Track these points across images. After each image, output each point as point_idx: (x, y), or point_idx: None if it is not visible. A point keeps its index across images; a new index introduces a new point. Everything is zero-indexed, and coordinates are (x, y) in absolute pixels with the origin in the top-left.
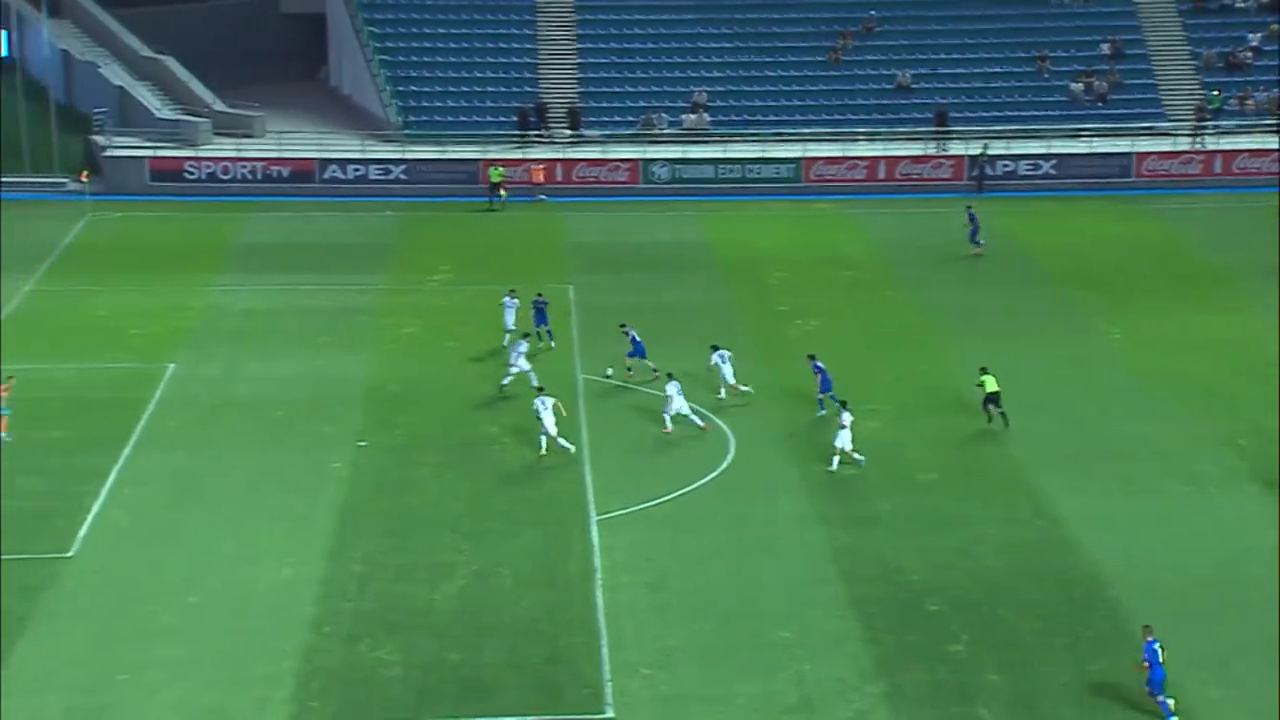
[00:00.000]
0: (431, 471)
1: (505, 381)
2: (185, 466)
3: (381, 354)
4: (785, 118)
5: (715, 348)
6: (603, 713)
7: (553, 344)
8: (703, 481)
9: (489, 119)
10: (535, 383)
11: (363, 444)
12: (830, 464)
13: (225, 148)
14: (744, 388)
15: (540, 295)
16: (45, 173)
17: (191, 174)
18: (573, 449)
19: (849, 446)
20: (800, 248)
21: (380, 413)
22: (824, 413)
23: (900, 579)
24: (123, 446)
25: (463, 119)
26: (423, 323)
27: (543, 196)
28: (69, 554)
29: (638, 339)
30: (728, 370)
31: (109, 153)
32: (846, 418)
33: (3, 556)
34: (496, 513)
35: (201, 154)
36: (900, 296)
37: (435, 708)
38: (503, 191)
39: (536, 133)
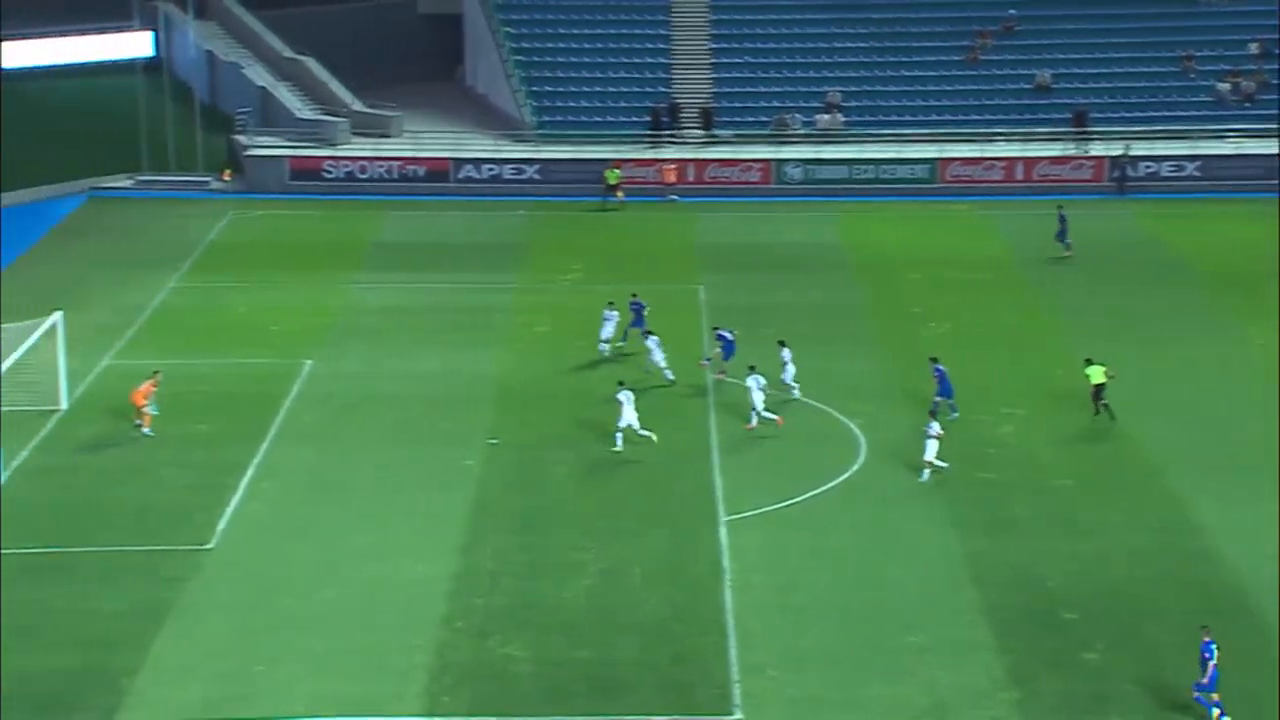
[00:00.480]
0: (562, 470)
1: (670, 377)
2: (321, 461)
3: (513, 352)
4: (921, 118)
5: (782, 344)
6: (731, 714)
7: (624, 343)
8: (833, 483)
9: (622, 119)
10: (670, 377)
11: (494, 441)
12: (920, 475)
13: (363, 147)
14: (794, 389)
15: (636, 296)
16: (189, 171)
17: (330, 173)
18: (654, 437)
19: (931, 456)
20: (935, 249)
21: (512, 410)
22: (956, 415)
23: (1035, 586)
24: (261, 441)
25: (596, 119)
26: (554, 321)
27: (674, 197)
28: (209, 546)
29: (731, 339)
30: (790, 369)
31: (250, 152)
32: (935, 428)
33: (148, 548)
34: (626, 511)
35: (340, 153)
36: (1035, 299)
37: (565, 705)
38: (619, 193)
39: (669, 133)
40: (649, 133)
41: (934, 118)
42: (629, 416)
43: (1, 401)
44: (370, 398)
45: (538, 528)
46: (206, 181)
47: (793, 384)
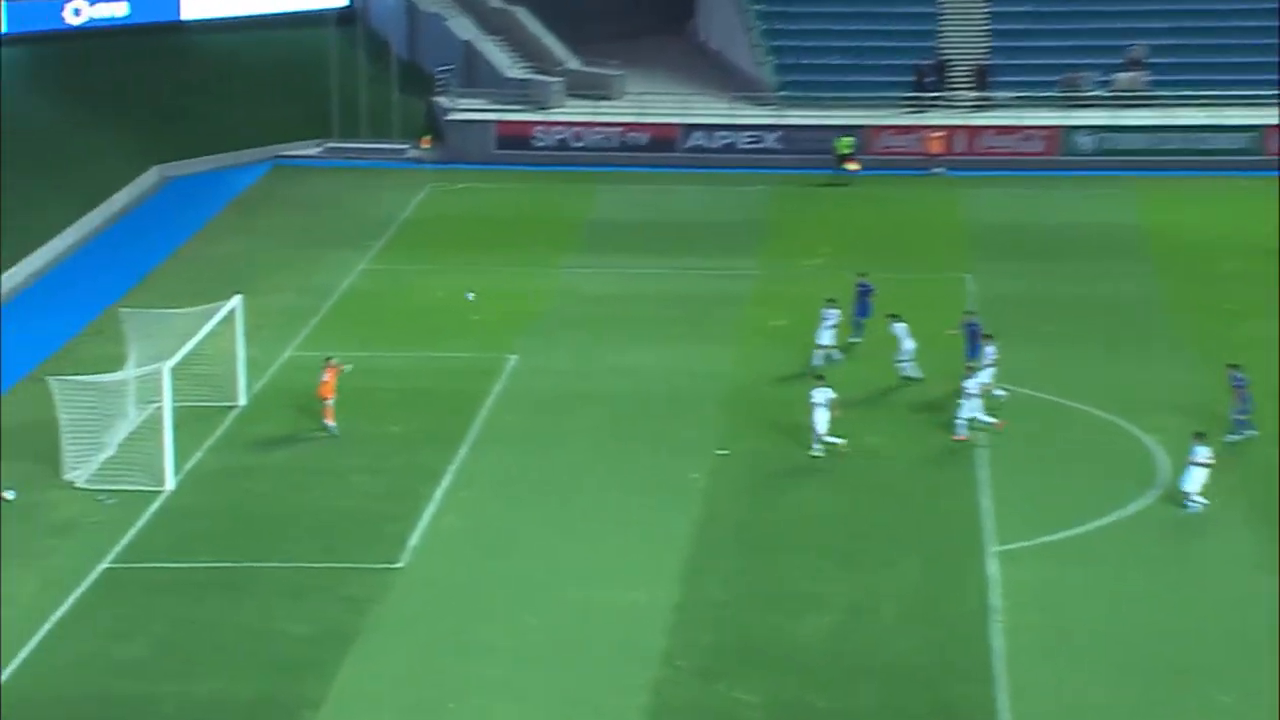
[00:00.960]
0: (800, 486)
1: (916, 374)
2: (525, 469)
3: (747, 348)
4: (1242, 78)
5: (895, 317)
6: None
7: (859, 339)
8: (1125, 512)
9: (878, 79)
10: (914, 373)
11: (723, 452)
12: (1184, 505)
13: (579, 111)
14: (914, 373)
15: (864, 277)
16: (384, 138)
17: (540, 141)
18: (843, 443)
19: (1193, 487)
20: (1257, 234)
21: (743, 416)
22: (1253, 433)
23: None
24: (459, 445)
25: (847, 79)
26: (795, 314)
27: (941, 170)
28: (399, 565)
29: (978, 328)
30: (908, 343)
31: (452, 116)
32: (1201, 453)
33: (333, 565)
34: (875, 536)
35: (552, 118)
36: None
37: None
38: (853, 164)
39: (935, 95)
40: (911, 95)
41: (1258, 77)
42: (821, 419)
43: (174, 396)
44: (582, 398)
45: (772, 553)
46: (403, 150)
47: (908, 362)
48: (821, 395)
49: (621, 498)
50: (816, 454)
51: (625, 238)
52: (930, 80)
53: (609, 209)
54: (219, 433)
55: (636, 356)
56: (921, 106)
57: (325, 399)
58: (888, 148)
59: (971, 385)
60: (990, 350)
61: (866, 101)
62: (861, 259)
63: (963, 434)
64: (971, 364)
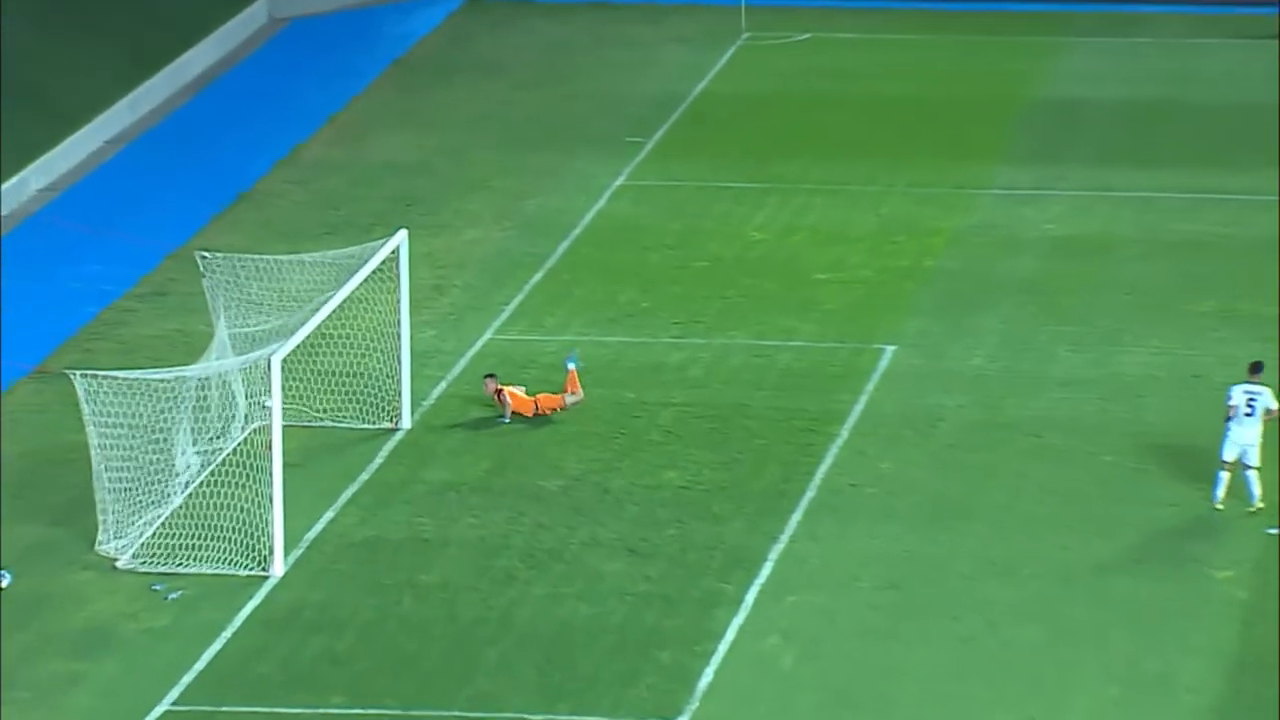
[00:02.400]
0: None
1: None
2: (907, 561)
3: None
4: None
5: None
6: None
7: None
8: None
9: None
10: None
11: (1275, 531)
12: None
13: None
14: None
15: None
16: None
17: None
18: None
19: None
20: None
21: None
22: None
23: None
24: (787, 510)
25: None
26: None
27: None
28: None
29: None
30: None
31: None
32: None
33: None
34: None
35: None
36: None
37: None
38: None
39: None
40: None
41: None
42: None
43: (289, 410)
44: (1011, 430)
45: None
46: None
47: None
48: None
49: (1093, 614)
50: (1219, 506)
51: (1097, 132)
52: None
53: (1072, 79)
54: (366, 476)
55: (1109, 354)
56: None
57: (554, 407)
58: None
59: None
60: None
61: None
62: None
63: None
64: None
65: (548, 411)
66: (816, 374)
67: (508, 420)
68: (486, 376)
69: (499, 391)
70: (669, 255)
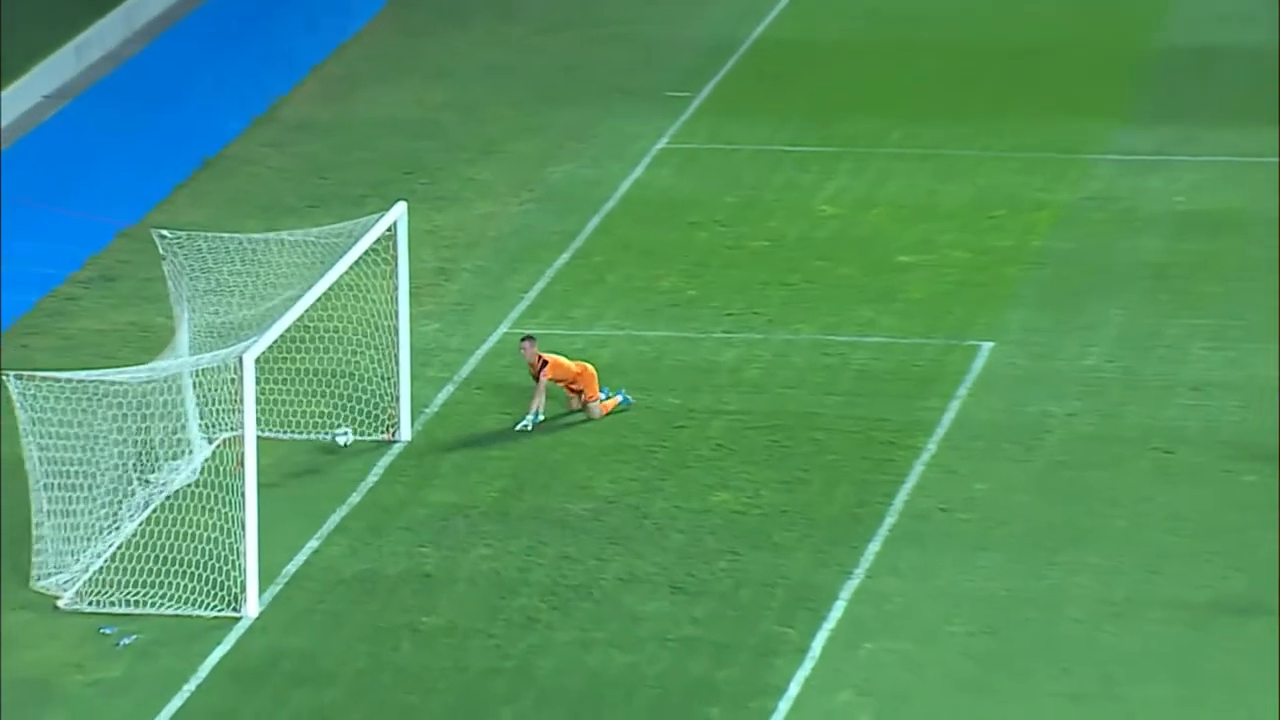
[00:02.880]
0: None
1: None
2: (1010, 604)
3: None
4: None
5: None
6: None
7: None
8: None
9: None
10: None
11: None
12: None
13: None
14: None
15: None
16: None
17: None
18: None
19: None
20: None
21: None
22: None
23: None
24: (865, 538)
25: None
26: None
27: None
28: None
29: None
30: None
31: None
32: None
33: None
34: None
35: None
36: None
37: None
38: None
39: None
40: None
41: None
42: None
43: (267, 418)
44: (1139, 440)
45: None
46: None
47: None
48: None
49: (1229, 666)
50: None
51: (1235, 86)
52: None
53: (1205, 23)
54: (356, 498)
55: (1250, 353)
56: None
57: (592, 401)
58: None
59: None
60: None
61: None
62: None
63: None
64: None
65: (580, 393)
66: (898, 376)
67: (533, 425)
68: (524, 339)
69: (542, 360)
70: (721, 233)
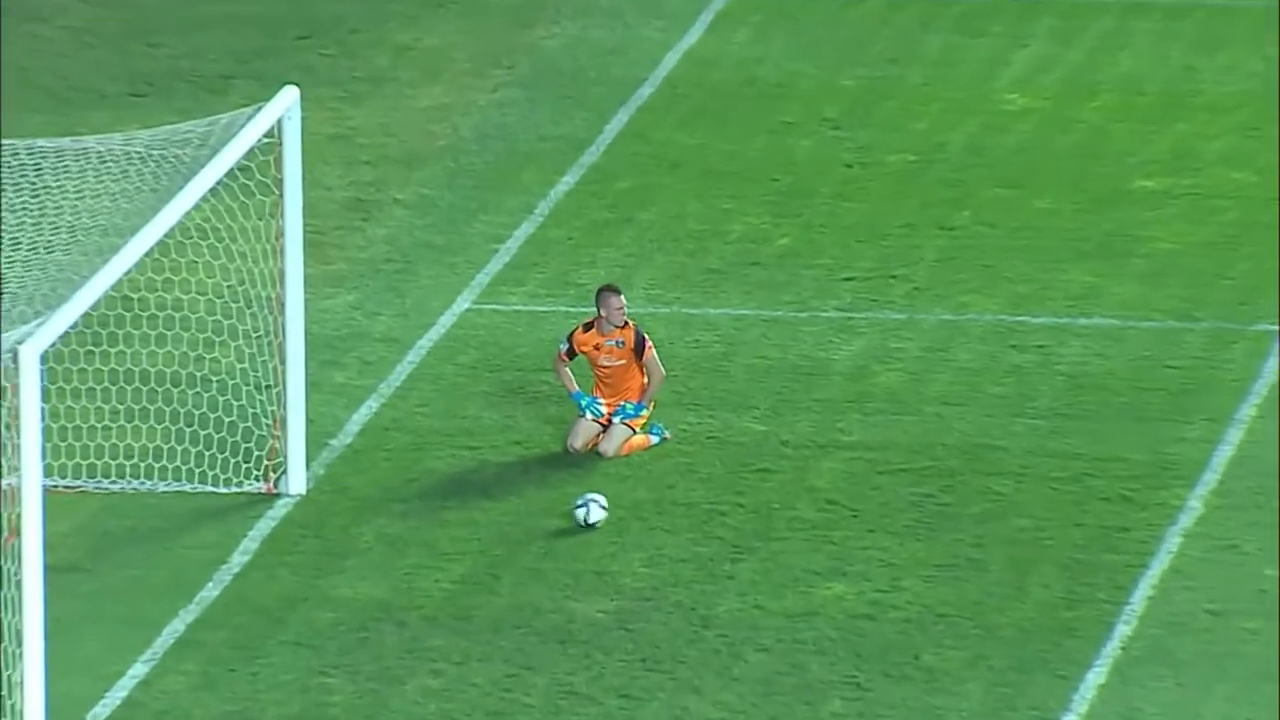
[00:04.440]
0: None
1: None
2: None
3: None
4: None
5: None
6: None
7: None
8: None
9: None
10: None
11: None
12: None
13: None
14: None
15: None
16: None
17: None
18: None
19: None
20: None
21: None
22: None
23: None
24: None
25: None
26: None
27: None
28: None
29: None
30: None
31: None
32: None
33: None
34: None
35: None
36: None
37: None
38: None
39: None
40: None
41: None
42: None
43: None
44: None
45: None
46: None
47: None
48: None
49: None
50: None
51: None
52: None
53: None
54: (212, 593)
55: None
56: None
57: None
58: None
59: None
60: None
61: None
62: None
63: None
64: None
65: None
66: (1137, 385)
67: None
68: (605, 290)
69: (639, 334)
70: (830, 140)
